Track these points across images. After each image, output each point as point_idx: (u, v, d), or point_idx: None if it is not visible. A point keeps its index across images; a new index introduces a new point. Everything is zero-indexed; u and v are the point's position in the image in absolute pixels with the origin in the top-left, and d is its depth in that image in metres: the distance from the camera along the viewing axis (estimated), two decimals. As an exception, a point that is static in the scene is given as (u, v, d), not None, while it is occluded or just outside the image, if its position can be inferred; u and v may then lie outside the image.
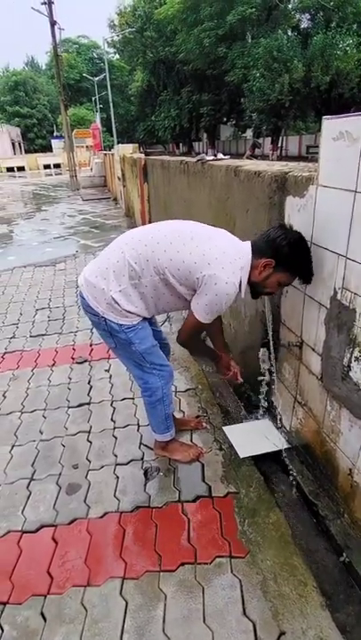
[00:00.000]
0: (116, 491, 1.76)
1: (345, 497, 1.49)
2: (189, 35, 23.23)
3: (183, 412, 2.25)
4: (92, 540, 1.54)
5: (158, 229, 1.54)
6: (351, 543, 1.42)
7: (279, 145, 24.81)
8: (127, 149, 7.93)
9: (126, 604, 1.32)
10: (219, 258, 1.42)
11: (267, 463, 1.88)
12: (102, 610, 1.31)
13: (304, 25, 23.17)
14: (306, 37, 20.18)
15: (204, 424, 2.13)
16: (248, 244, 1.48)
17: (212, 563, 1.43)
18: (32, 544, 1.55)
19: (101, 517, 1.64)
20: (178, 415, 2.21)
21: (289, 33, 21.60)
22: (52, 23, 14.21)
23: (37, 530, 1.60)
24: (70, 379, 2.67)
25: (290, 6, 22.70)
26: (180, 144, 35.87)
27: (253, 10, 20.75)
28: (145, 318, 1.62)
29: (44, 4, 13.86)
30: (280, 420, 1.97)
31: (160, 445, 1.94)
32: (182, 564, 1.43)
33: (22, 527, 1.61)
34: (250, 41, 22.19)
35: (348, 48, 18.18)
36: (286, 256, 1.41)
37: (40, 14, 14.11)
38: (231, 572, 1.39)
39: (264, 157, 18.85)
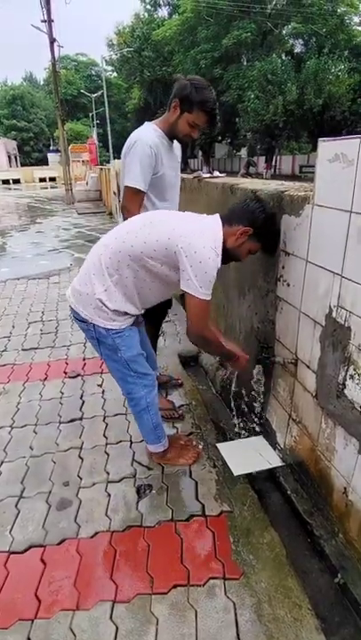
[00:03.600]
0: (107, 509, 1.72)
1: (340, 516, 1.48)
2: (186, 56, 23.90)
3: (177, 429, 2.23)
4: (81, 561, 1.50)
5: (130, 221, 1.59)
6: (346, 564, 1.40)
7: (273, 164, 25.34)
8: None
9: (117, 628, 1.28)
10: (191, 229, 1.47)
11: (261, 481, 1.86)
12: (92, 635, 1.26)
13: (298, 50, 23.98)
14: (299, 62, 20.86)
15: (200, 448, 2.07)
16: (216, 215, 1.55)
17: (206, 584, 1.39)
18: (20, 565, 1.50)
19: (92, 537, 1.60)
20: (171, 431, 2.19)
21: (283, 57, 22.29)
22: (52, 41, 14.48)
23: (25, 550, 1.55)
24: (62, 393, 2.63)
25: (284, 32, 23.52)
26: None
27: (249, 34, 21.44)
28: (134, 323, 1.63)
29: (44, 21, 14.14)
30: (274, 437, 1.96)
31: (157, 456, 1.94)
32: (175, 586, 1.39)
33: (10, 547, 1.56)
34: (245, 64, 22.89)
35: (340, 73, 18.84)
36: (262, 226, 1.53)
37: (40, 31, 14.37)
38: (225, 594, 1.36)
39: (258, 176, 19.17)
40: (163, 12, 30.32)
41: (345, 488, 1.43)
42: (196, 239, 1.42)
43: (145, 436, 1.88)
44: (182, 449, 1.99)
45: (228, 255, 1.54)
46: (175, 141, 1.99)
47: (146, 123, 1.95)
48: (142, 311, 1.67)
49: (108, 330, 1.56)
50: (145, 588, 1.39)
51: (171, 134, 1.90)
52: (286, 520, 1.67)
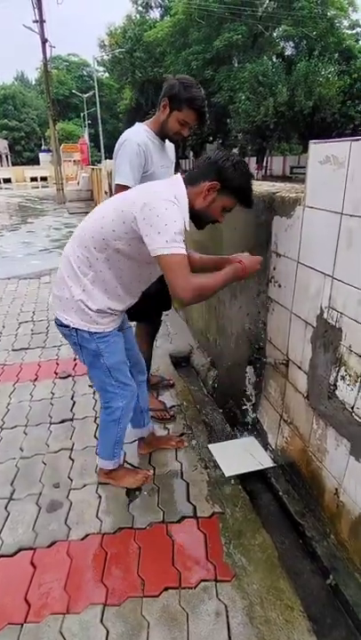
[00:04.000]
0: (98, 511, 1.70)
1: (331, 517, 1.48)
2: (178, 57, 23.95)
3: (168, 430, 2.22)
4: (72, 564, 1.48)
5: (89, 216, 1.51)
6: (338, 565, 1.41)
7: (264, 164, 25.48)
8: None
9: (107, 632, 1.26)
10: (143, 192, 1.37)
11: (253, 482, 1.86)
12: (82, 639, 1.25)
13: (288, 52, 24.18)
14: (290, 64, 21.04)
15: (185, 443, 2.09)
16: (178, 175, 1.46)
17: (197, 587, 1.38)
18: (9, 568, 1.48)
19: (82, 539, 1.58)
20: (162, 433, 2.18)
21: (274, 59, 22.48)
22: (44, 41, 14.40)
23: (15, 553, 1.53)
24: (53, 394, 2.60)
25: (275, 34, 23.69)
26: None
27: (239, 36, 21.57)
28: (120, 328, 1.60)
29: (36, 22, 14.06)
30: (266, 437, 1.96)
31: (104, 472, 1.83)
32: (166, 589, 1.38)
33: (-1, 551, 1.54)
34: (236, 65, 23.00)
35: (330, 75, 19.03)
36: (231, 177, 1.36)
37: (32, 32, 14.28)
38: (217, 596, 1.35)
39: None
40: (155, 13, 30.40)
41: (336, 489, 1.43)
42: (150, 198, 1.31)
43: (101, 449, 1.78)
44: (129, 471, 1.90)
45: (200, 218, 1.43)
46: (168, 141, 1.99)
47: (137, 123, 1.95)
48: (132, 302, 1.58)
49: (92, 334, 1.49)
50: (136, 591, 1.38)
51: (162, 134, 1.90)
52: (278, 521, 1.67)
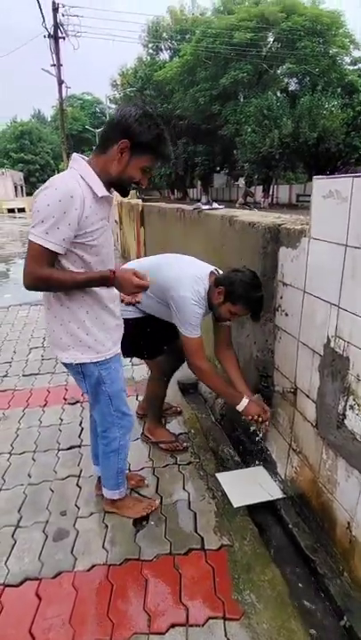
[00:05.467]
0: (104, 541, 1.68)
1: (344, 553, 1.44)
2: (186, 94, 24.96)
3: (175, 458, 2.20)
4: (77, 597, 1.45)
5: None
6: (352, 605, 1.35)
7: (270, 193, 25.99)
8: (125, 195, 8.20)
9: (113, 671, 1.23)
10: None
11: (262, 513, 1.82)
12: None
13: (292, 88, 25.05)
14: (294, 98, 21.78)
15: (146, 482, 2.00)
16: (74, 154, 1.41)
17: (205, 624, 1.34)
18: (14, 599, 1.45)
19: (88, 570, 1.55)
20: (170, 460, 2.16)
21: (278, 94, 23.30)
22: (60, 82, 15.23)
23: (21, 583, 1.51)
24: (62, 420, 2.61)
25: (279, 71, 24.65)
26: (176, 190, 37.47)
27: (245, 74, 22.48)
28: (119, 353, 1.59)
29: (54, 65, 14.91)
30: (275, 467, 1.93)
31: (109, 502, 1.81)
32: (173, 626, 1.34)
33: (5, 580, 1.52)
34: (242, 100, 23.90)
35: (333, 108, 19.62)
36: (138, 131, 1.28)
37: (49, 74, 15.14)
38: (225, 635, 1.31)
39: (256, 204, 19.67)
40: (164, 55, 31.88)
41: (348, 523, 1.40)
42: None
43: (104, 479, 1.76)
44: (134, 500, 1.86)
45: (121, 184, 1.38)
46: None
47: None
48: (114, 305, 1.54)
49: (96, 363, 1.48)
50: (142, 627, 1.34)
51: (214, 311, 1.93)
52: (288, 556, 1.62)
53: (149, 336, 2.05)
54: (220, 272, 1.92)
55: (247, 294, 1.73)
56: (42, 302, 1.54)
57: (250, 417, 1.85)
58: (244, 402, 1.85)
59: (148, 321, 2.03)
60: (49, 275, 1.31)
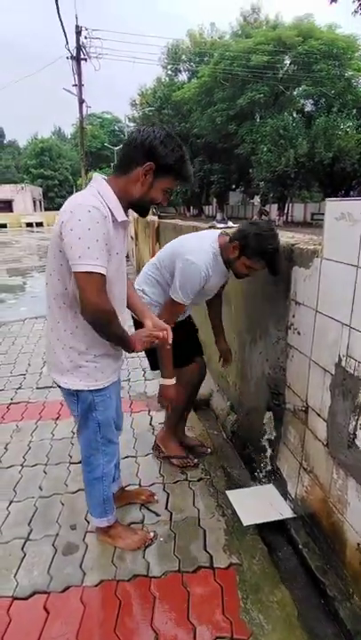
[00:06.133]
0: (113, 556, 1.68)
1: (354, 575, 1.42)
2: (203, 114, 25.58)
3: (186, 475, 2.20)
4: (85, 612, 1.45)
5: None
6: (362, 629, 1.33)
7: (285, 211, 26.15)
8: (141, 212, 8.36)
9: None
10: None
11: (272, 532, 1.80)
12: None
13: (308, 109, 25.45)
14: (310, 119, 22.11)
15: (156, 497, 1.99)
16: (95, 174, 1.40)
17: (213, 644, 1.33)
18: (23, 612, 1.46)
19: (96, 585, 1.56)
20: (181, 477, 2.16)
21: (294, 115, 23.69)
22: (81, 102, 15.78)
23: (29, 597, 1.52)
24: (73, 433, 2.63)
25: (295, 93, 25.11)
26: (191, 207, 38.00)
27: (262, 95, 22.96)
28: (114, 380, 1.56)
29: (75, 85, 15.48)
30: (285, 486, 1.92)
31: (101, 530, 1.75)
32: (180, 644, 1.34)
33: (14, 593, 1.53)
34: (258, 120, 24.35)
35: (348, 129, 19.82)
36: (163, 154, 1.29)
37: (70, 94, 15.71)
38: (233, 656, 1.29)
39: (271, 222, 19.81)
40: (183, 76, 32.83)
41: (359, 544, 1.38)
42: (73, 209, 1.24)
43: (91, 508, 1.70)
44: (129, 531, 1.79)
45: (142, 205, 1.38)
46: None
47: None
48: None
49: (92, 391, 1.46)
50: (149, 645, 1.34)
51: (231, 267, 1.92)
52: (298, 577, 1.60)
53: (181, 342, 2.05)
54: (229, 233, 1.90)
55: (261, 247, 1.69)
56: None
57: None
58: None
59: (181, 326, 2.05)
60: (114, 312, 1.31)
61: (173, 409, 2.30)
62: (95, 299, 1.24)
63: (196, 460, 2.28)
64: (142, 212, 1.43)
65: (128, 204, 1.35)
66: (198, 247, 1.84)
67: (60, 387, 1.51)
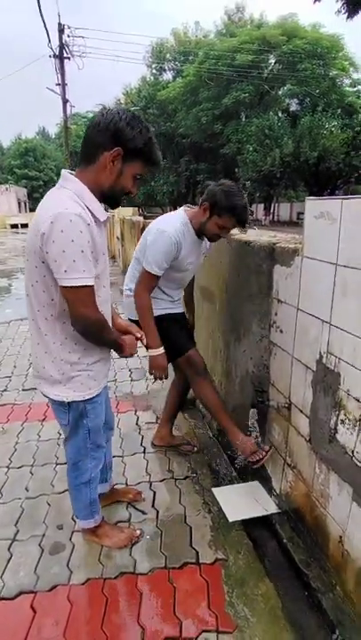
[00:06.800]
0: (100, 554, 1.69)
1: (336, 567, 1.46)
2: (188, 113, 25.59)
3: (172, 472, 2.21)
4: (72, 610, 1.46)
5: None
6: (344, 619, 1.36)
7: (271, 211, 26.37)
8: (127, 212, 8.39)
9: None
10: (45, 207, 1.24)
11: (257, 528, 1.83)
12: None
13: (293, 108, 25.67)
14: (295, 118, 22.32)
15: (143, 496, 2.02)
16: (63, 170, 1.31)
17: (198, 638, 1.35)
18: (9, 612, 1.46)
19: (83, 584, 1.56)
20: (167, 476, 2.18)
21: (279, 114, 23.85)
22: (64, 101, 15.64)
23: (16, 596, 1.52)
24: (60, 434, 2.62)
25: (280, 92, 25.30)
26: (178, 207, 38.02)
27: (247, 95, 23.07)
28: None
29: (59, 84, 15.34)
30: (270, 482, 1.95)
31: (88, 530, 1.74)
32: (166, 639, 1.35)
33: (0, 593, 1.53)
34: (244, 120, 24.47)
35: (333, 129, 20.08)
36: (131, 136, 1.21)
37: (54, 93, 15.57)
38: (218, 649, 1.32)
39: (257, 222, 19.95)
40: (167, 75, 32.78)
41: (340, 537, 1.42)
42: (58, 207, 1.15)
43: (76, 511, 1.68)
44: (116, 529, 1.78)
45: (112, 195, 1.29)
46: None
47: (181, 213, 2.02)
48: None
49: (85, 400, 1.43)
50: (136, 641, 1.35)
51: (199, 232, 1.98)
52: (282, 570, 1.63)
53: (175, 334, 2.16)
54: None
55: (230, 203, 1.79)
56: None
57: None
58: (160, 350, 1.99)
59: (176, 320, 2.16)
60: (104, 320, 1.31)
61: (171, 404, 2.44)
62: (85, 311, 1.23)
63: (194, 443, 2.46)
64: (113, 204, 1.33)
65: (100, 197, 1.26)
66: (167, 220, 1.97)
67: (48, 398, 1.46)
